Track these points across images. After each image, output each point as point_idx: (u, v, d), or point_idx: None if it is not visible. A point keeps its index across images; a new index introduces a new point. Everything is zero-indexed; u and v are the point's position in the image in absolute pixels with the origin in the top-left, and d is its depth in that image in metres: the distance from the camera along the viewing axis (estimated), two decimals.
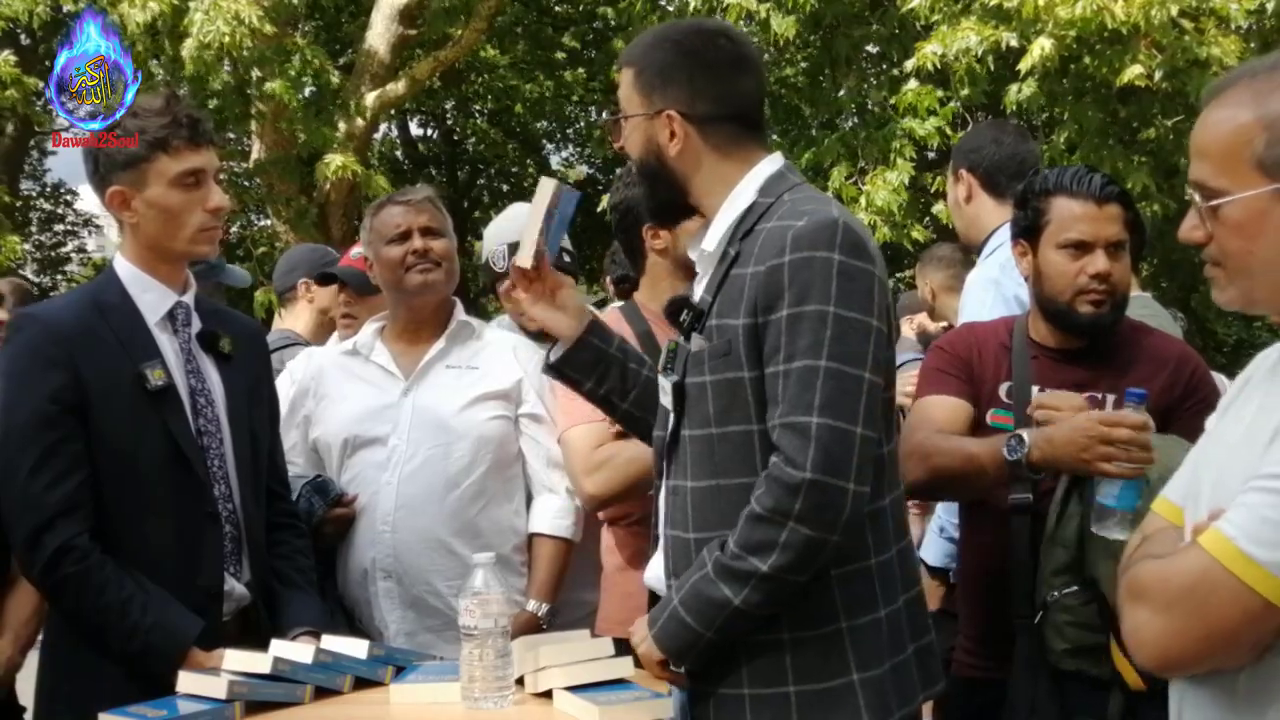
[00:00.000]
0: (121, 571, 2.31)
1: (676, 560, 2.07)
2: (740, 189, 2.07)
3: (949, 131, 9.27)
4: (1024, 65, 8.33)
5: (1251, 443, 1.44)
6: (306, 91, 10.13)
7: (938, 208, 9.81)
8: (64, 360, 2.33)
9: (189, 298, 2.52)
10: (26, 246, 20.74)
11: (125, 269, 2.48)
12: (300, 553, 2.66)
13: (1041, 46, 8.15)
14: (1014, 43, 8.39)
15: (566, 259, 3.34)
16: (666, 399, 2.09)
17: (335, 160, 10.06)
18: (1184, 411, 2.47)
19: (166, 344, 2.46)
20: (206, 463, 2.44)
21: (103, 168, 2.44)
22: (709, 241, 2.08)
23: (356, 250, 3.78)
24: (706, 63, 2.08)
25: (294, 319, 4.23)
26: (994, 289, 3.04)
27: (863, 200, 9.28)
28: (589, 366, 2.28)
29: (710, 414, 2.00)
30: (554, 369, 2.30)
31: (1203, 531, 1.42)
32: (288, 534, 2.65)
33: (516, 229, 3.22)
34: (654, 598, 2.20)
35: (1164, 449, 2.25)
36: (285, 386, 3.02)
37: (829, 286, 1.89)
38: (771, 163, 2.10)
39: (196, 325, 2.52)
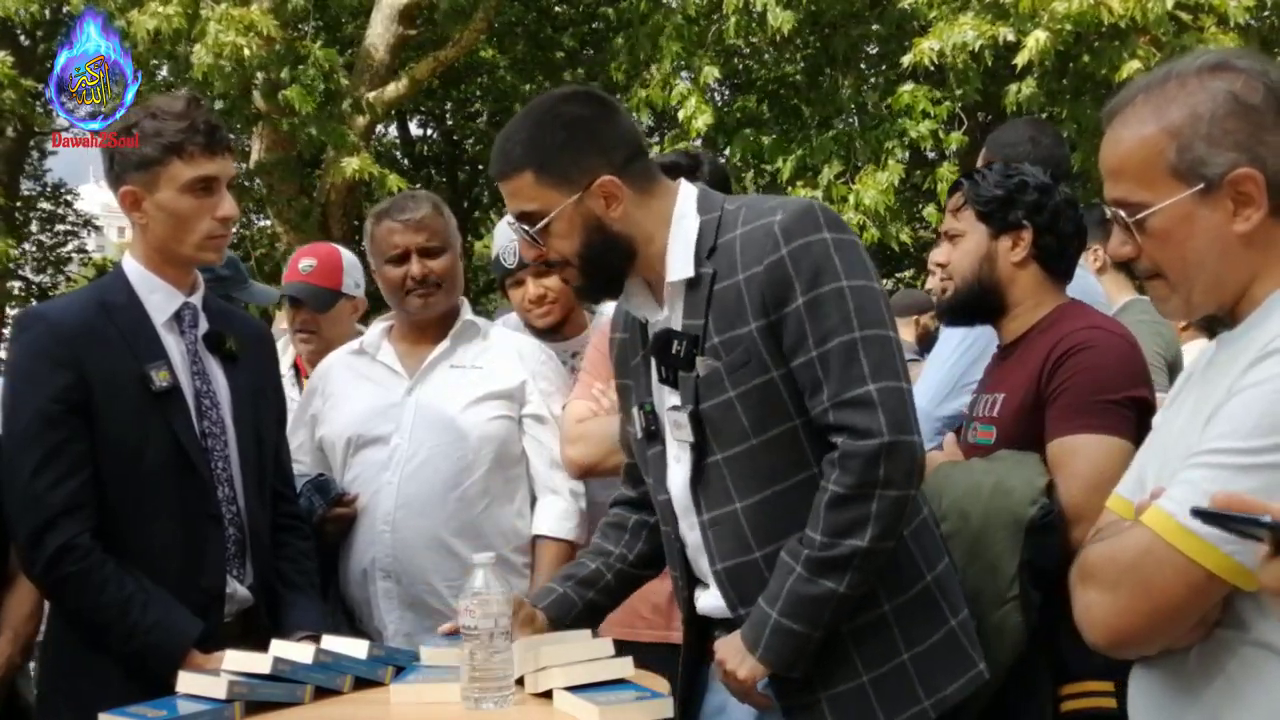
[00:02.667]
0: (122, 571, 2.32)
1: (745, 586, 2.04)
2: (679, 218, 2.04)
3: (942, 133, 9.27)
4: (1020, 59, 8.33)
5: (1192, 428, 1.48)
6: (318, 92, 10.12)
7: (929, 210, 9.81)
8: (69, 360, 2.33)
9: (196, 299, 2.52)
10: (27, 246, 20.73)
11: (133, 269, 2.49)
12: (304, 555, 2.67)
13: (1037, 39, 8.14)
14: (1011, 38, 8.38)
15: None
16: (683, 432, 2.04)
17: (353, 163, 10.07)
18: (1049, 398, 2.40)
19: (173, 345, 2.46)
20: (210, 464, 2.44)
21: (117, 166, 2.45)
22: (675, 272, 2.03)
23: (305, 263, 3.63)
24: (591, 118, 2.03)
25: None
26: None
27: (851, 199, 9.28)
28: (578, 619, 2.28)
29: (746, 426, 1.98)
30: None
31: (1145, 510, 1.45)
32: (292, 536, 2.65)
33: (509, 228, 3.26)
34: (701, 622, 2.19)
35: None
36: None
37: (834, 264, 1.93)
38: (688, 187, 2.09)
39: (204, 326, 2.52)
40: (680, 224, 2.04)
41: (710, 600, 2.15)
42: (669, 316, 2.07)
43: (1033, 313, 2.54)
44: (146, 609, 2.30)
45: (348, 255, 3.71)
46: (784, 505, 1.99)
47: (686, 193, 2.07)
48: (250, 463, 2.51)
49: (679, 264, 2.03)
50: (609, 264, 2.06)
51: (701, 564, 2.12)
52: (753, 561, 2.03)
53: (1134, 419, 2.35)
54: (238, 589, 2.46)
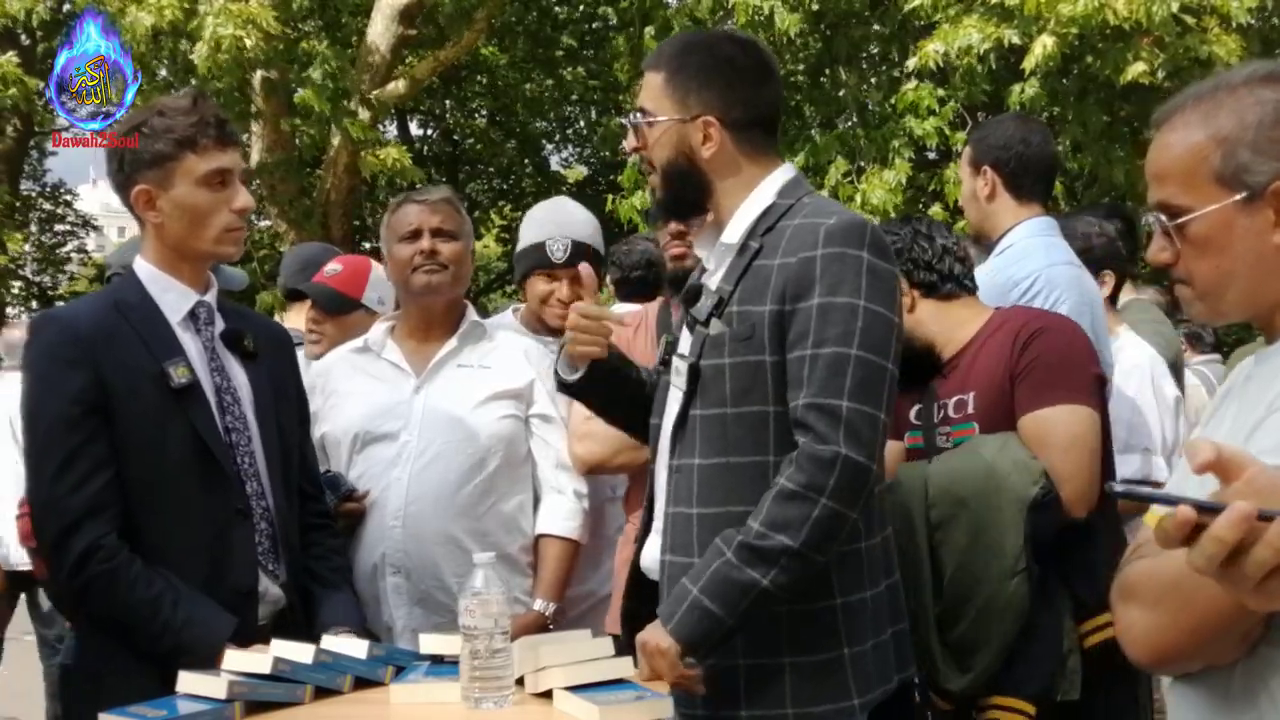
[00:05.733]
0: (151, 570, 2.27)
1: (675, 536, 2.12)
2: (760, 190, 2.16)
3: (948, 131, 9.25)
4: (1027, 64, 8.32)
5: (1232, 444, 1.46)
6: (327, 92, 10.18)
7: (935, 209, 9.79)
8: (84, 360, 2.29)
9: (211, 297, 2.49)
10: (27, 247, 20.74)
11: (145, 270, 2.45)
12: (335, 552, 2.66)
13: (1044, 44, 8.13)
14: (1016, 40, 8.38)
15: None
16: (680, 379, 2.15)
17: (391, 153, 10.16)
18: (1019, 376, 2.48)
19: (189, 343, 2.42)
20: (235, 459, 2.40)
21: (128, 166, 2.40)
22: (729, 235, 2.16)
23: (331, 267, 3.70)
24: (740, 69, 2.17)
25: (299, 318, 4.19)
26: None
27: (858, 199, 9.26)
28: (604, 383, 2.37)
29: (727, 394, 2.07)
30: (570, 389, 2.40)
31: None
32: (322, 534, 2.63)
33: (564, 221, 3.30)
34: (643, 582, 2.25)
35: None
36: None
37: (859, 282, 2.00)
38: (788, 170, 2.21)
39: (220, 325, 2.49)
40: (757, 197, 2.15)
41: (650, 551, 2.24)
42: (713, 271, 2.19)
43: (962, 330, 2.60)
44: (178, 606, 2.26)
45: (379, 270, 3.70)
46: (731, 477, 2.06)
47: (779, 175, 2.18)
48: (275, 459, 2.47)
49: (735, 230, 2.15)
50: (683, 189, 2.20)
51: (660, 505, 2.21)
52: (689, 516, 2.11)
53: (1099, 392, 2.49)
54: (270, 588, 2.42)
